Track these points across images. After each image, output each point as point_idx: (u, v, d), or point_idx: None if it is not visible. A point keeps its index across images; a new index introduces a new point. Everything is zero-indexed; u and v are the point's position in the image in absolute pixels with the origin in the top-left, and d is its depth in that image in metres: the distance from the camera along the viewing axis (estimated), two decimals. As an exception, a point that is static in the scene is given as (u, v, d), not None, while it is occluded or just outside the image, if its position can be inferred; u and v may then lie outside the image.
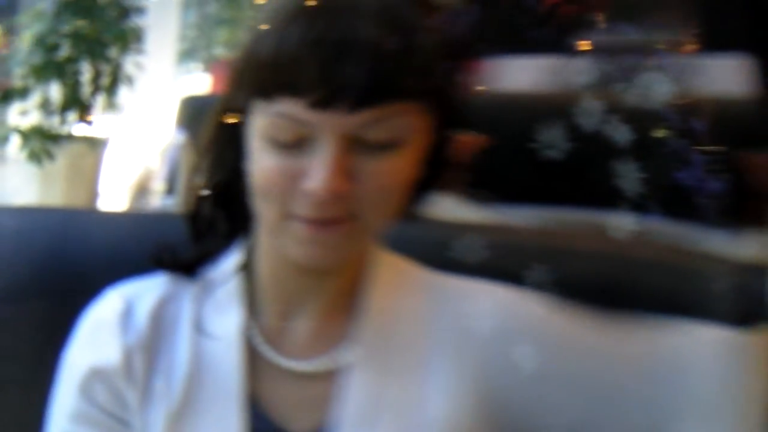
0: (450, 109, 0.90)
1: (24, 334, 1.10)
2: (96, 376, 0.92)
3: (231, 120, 0.89)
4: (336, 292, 0.93)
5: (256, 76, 0.85)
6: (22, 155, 3.69)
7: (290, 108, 0.82)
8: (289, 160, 0.84)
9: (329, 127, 0.82)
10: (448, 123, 0.90)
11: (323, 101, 0.81)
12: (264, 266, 0.93)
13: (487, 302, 0.94)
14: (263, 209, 0.87)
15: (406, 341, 0.92)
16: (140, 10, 4.08)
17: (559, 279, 1.00)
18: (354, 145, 0.83)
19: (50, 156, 3.68)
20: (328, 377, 0.91)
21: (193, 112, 2.47)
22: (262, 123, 0.85)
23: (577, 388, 0.90)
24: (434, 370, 0.91)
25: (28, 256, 1.13)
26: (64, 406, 0.93)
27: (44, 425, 0.95)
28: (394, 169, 0.85)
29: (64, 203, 3.68)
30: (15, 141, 3.74)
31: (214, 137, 0.92)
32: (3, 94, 3.72)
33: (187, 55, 5.39)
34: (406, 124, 0.84)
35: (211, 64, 5.32)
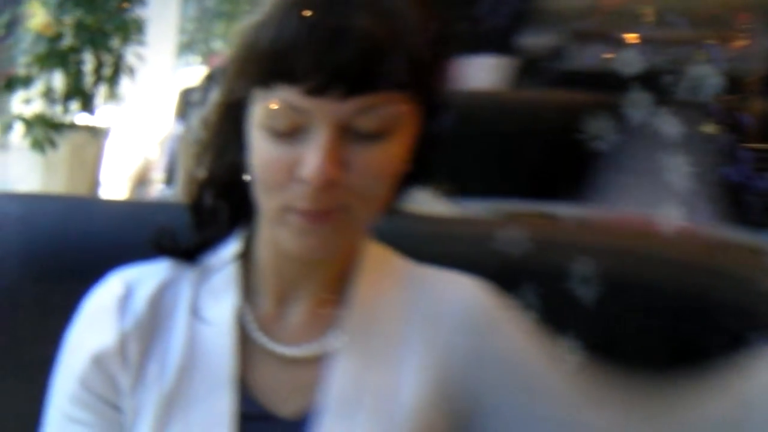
0: (437, 101, 0.92)
1: (26, 319, 1.12)
2: (93, 361, 0.93)
3: (231, 110, 0.91)
4: (327, 281, 0.95)
5: (255, 66, 0.87)
6: (26, 143, 3.69)
7: (287, 96, 0.85)
8: (285, 150, 0.86)
9: (324, 114, 0.84)
10: (434, 116, 0.92)
11: (318, 88, 0.83)
12: (262, 254, 0.95)
13: (458, 291, 0.97)
14: (262, 200, 0.89)
15: (386, 329, 0.95)
16: (141, 2, 4.08)
17: (603, 273, 1.02)
18: (346, 134, 0.85)
19: (53, 144, 3.67)
20: (317, 363, 0.93)
21: (192, 104, 2.49)
22: (260, 112, 0.87)
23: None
24: (408, 356, 0.93)
25: (31, 242, 1.14)
26: (63, 389, 0.95)
27: (45, 406, 0.96)
28: (383, 159, 0.87)
29: (66, 191, 3.68)
30: (18, 129, 3.74)
31: (214, 128, 0.94)
32: (7, 83, 3.71)
33: (186, 47, 5.39)
34: (395, 114, 0.86)
35: (209, 57, 5.32)
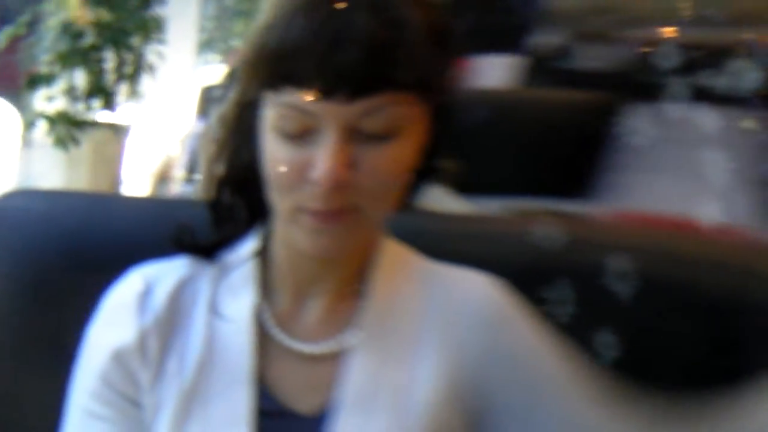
0: (445, 101, 0.92)
1: (48, 313, 1.12)
2: (113, 357, 0.93)
3: (244, 110, 0.92)
4: (343, 279, 0.96)
5: (264, 68, 0.87)
6: (48, 140, 3.71)
7: (295, 98, 0.85)
8: (296, 151, 0.86)
9: (331, 116, 0.85)
10: (443, 116, 0.92)
11: (323, 90, 0.84)
12: (278, 252, 0.96)
13: (473, 289, 0.97)
14: (276, 200, 0.90)
15: (402, 326, 0.95)
16: (162, 1, 4.10)
17: (638, 270, 1.01)
18: (354, 136, 0.85)
19: (75, 141, 3.69)
20: (334, 360, 0.94)
21: (213, 102, 2.50)
22: (271, 114, 0.88)
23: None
24: (423, 353, 0.94)
25: (53, 239, 1.15)
26: (83, 384, 0.95)
27: (66, 400, 0.97)
28: (392, 159, 0.87)
29: (88, 188, 3.70)
30: (41, 126, 3.76)
31: (230, 127, 0.95)
32: (29, 81, 3.74)
33: (206, 45, 5.41)
34: (403, 115, 0.87)
35: (228, 55, 5.34)
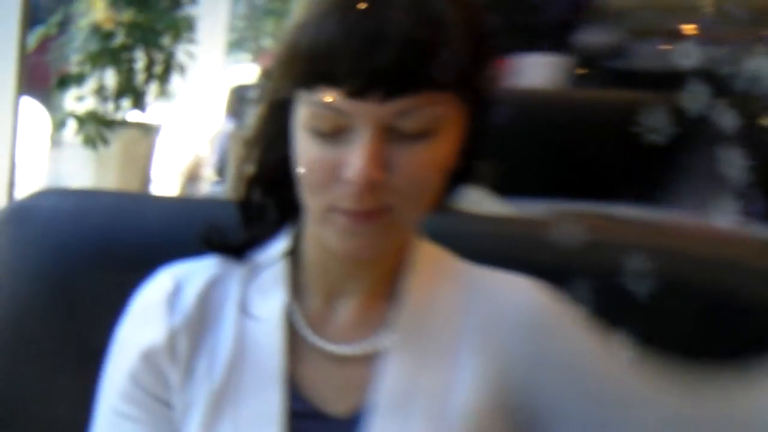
0: (483, 101, 0.91)
1: (78, 313, 1.13)
2: (142, 357, 0.93)
3: (277, 109, 0.91)
4: (376, 280, 0.95)
5: (297, 67, 0.87)
6: (78, 140, 3.73)
7: (329, 98, 0.84)
8: (329, 150, 0.86)
9: (365, 116, 0.84)
10: (482, 115, 0.91)
11: (358, 90, 0.83)
12: (309, 252, 0.95)
13: (516, 293, 0.95)
14: (308, 200, 0.89)
15: (439, 328, 0.94)
16: (192, 1, 4.12)
17: (657, 273, 1.01)
18: (389, 135, 0.84)
19: (105, 141, 3.71)
20: (367, 362, 0.93)
21: (242, 101, 2.50)
22: (304, 113, 0.87)
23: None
24: (463, 357, 0.92)
25: (83, 238, 1.15)
26: (113, 384, 0.95)
27: (96, 400, 0.97)
28: (428, 159, 0.86)
29: (118, 187, 3.72)
30: (71, 126, 3.79)
31: (261, 127, 0.94)
32: (60, 80, 3.76)
33: (236, 45, 5.44)
34: (440, 114, 0.86)
35: (259, 55, 5.36)
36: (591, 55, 2.41)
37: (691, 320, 1.07)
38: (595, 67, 2.39)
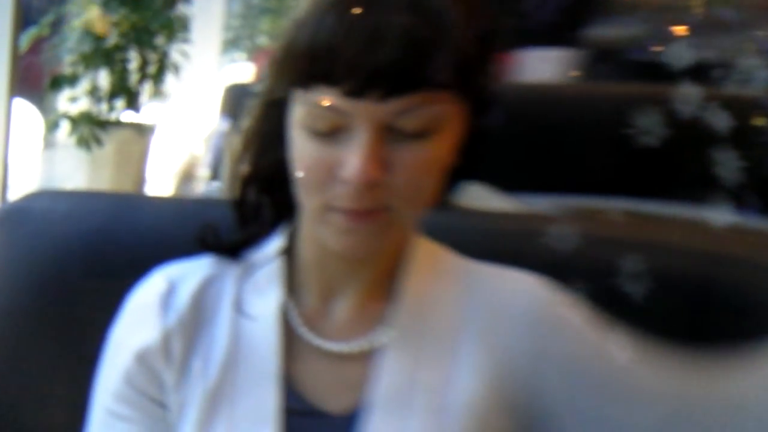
0: (483, 98, 0.90)
1: (73, 314, 1.13)
2: (136, 358, 0.93)
3: (273, 108, 0.91)
4: (374, 277, 0.95)
5: (294, 66, 0.86)
6: (72, 141, 3.72)
7: (326, 97, 0.84)
8: (326, 150, 0.85)
9: (363, 115, 0.83)
10: (482, 112, 0.90)
11: (356, 90, 0.82)
12: (305, 251, 0.95)
13: (517, 289, 0.95)
14: (305, 199, 0.89)
15: (438, 325, 0.93)
16: (186, 0, 4.11)
17: (652, 270, 1.01)
18: (388, 134, 0.84)
19: (99, 142, 3.70)
20: (364, 359, 0.93)
21: (237, 100, 2.50)
22: (301, 112, 0.87)
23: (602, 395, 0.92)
24: (464, 353, 0.92)
25: (77, 239, 1.15)
26: (107, 385, 0.96)
27: (90, 401, 0.97)
28: (427, 158, 0.86)
29: (112, 188, 3.71)
30: (64, 127, 3.78)
31: (257, 126, 0.94)
32: (53, 81, 3.75)
33: (231, 44, 5.43)
34: (439, 113, 0.85)
35: (254, 54, 5.35)
36: (611, 48, 2.39)
37: (685, 315, 1.07)
38: (616, 60, 2.37)
